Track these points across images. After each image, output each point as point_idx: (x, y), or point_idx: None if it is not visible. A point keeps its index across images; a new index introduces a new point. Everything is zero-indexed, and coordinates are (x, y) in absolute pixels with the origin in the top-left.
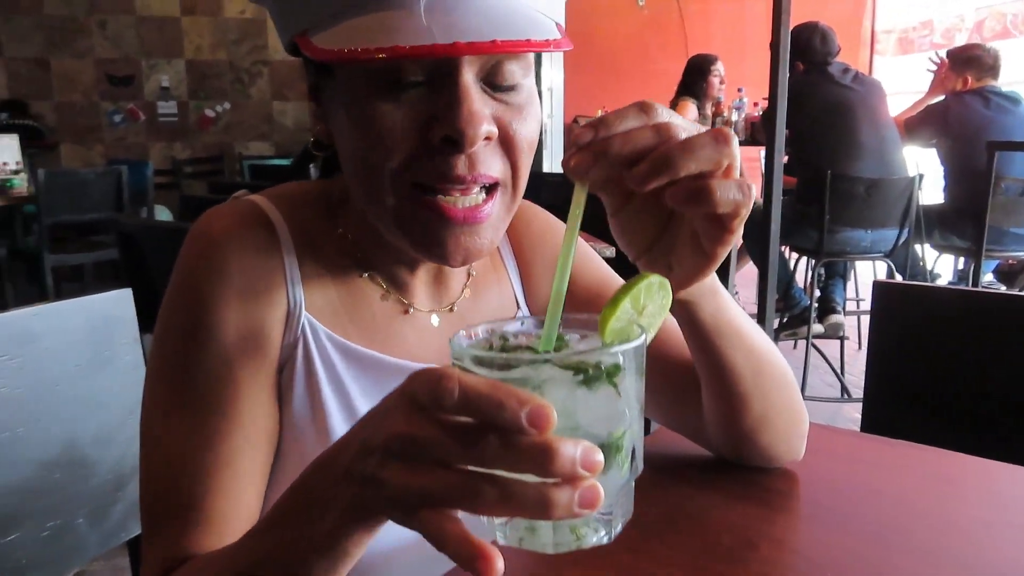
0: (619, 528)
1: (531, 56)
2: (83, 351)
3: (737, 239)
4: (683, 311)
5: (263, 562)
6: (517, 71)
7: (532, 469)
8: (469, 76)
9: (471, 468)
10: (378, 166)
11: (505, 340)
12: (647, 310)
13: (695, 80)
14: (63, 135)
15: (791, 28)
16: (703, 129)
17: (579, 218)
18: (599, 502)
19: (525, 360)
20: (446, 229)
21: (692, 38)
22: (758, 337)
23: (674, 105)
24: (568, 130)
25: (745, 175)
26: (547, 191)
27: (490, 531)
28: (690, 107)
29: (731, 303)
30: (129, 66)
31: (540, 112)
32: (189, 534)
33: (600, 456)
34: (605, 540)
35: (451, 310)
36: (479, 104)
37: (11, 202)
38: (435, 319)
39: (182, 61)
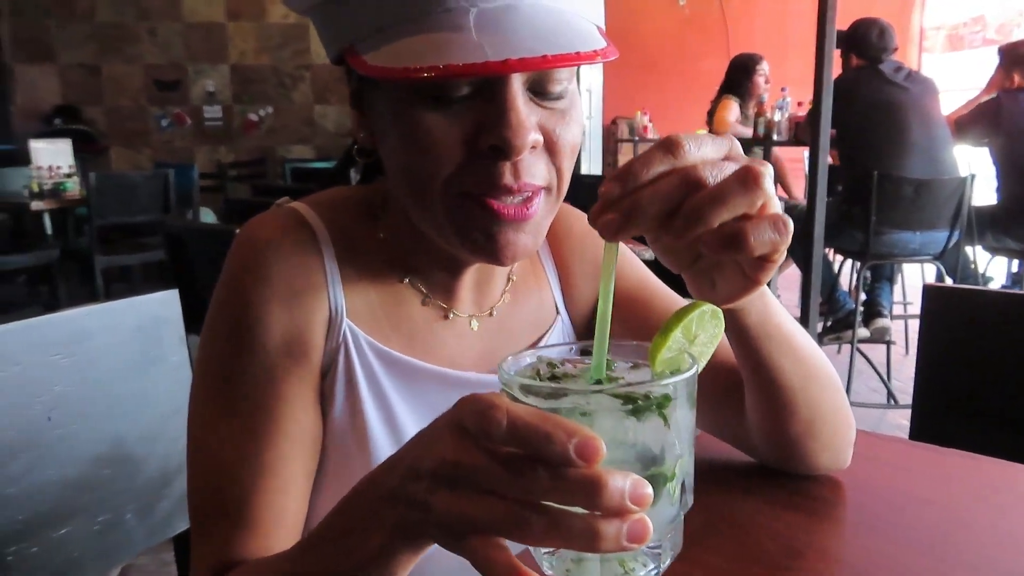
0: (668, 562)
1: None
2: (132, 350)
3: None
4: (728, 315)
5: None
6: (563, 79)
7: (580, 502)
8: (516, 87)
9: (519, 498)
10: (426, 176)
11: (553, 367)
12: (699, 339)
13: (740, 79)
14: (113, 139)
15: (851, 22)
16: (729, 151)
17: (612, 275)
18: (648, 536)
19: (574, 390)
20: (496, 226)
21: (734, 37)
22: (805, 342)
23: (716, 104)
24: (607, 131)
25: (780, 212)
26: (585, 193)
27: (537, 559)
28: (732, 106)
29: (778, 306)
30: (176, 71)
31: (583, 115)
32: (236, 538)
33: (649, 489)
34: (653, 574)
35: (490, 315)
36: (525, 114)
37: (64, 204)
38: (474, 324)
39: (227, 66)
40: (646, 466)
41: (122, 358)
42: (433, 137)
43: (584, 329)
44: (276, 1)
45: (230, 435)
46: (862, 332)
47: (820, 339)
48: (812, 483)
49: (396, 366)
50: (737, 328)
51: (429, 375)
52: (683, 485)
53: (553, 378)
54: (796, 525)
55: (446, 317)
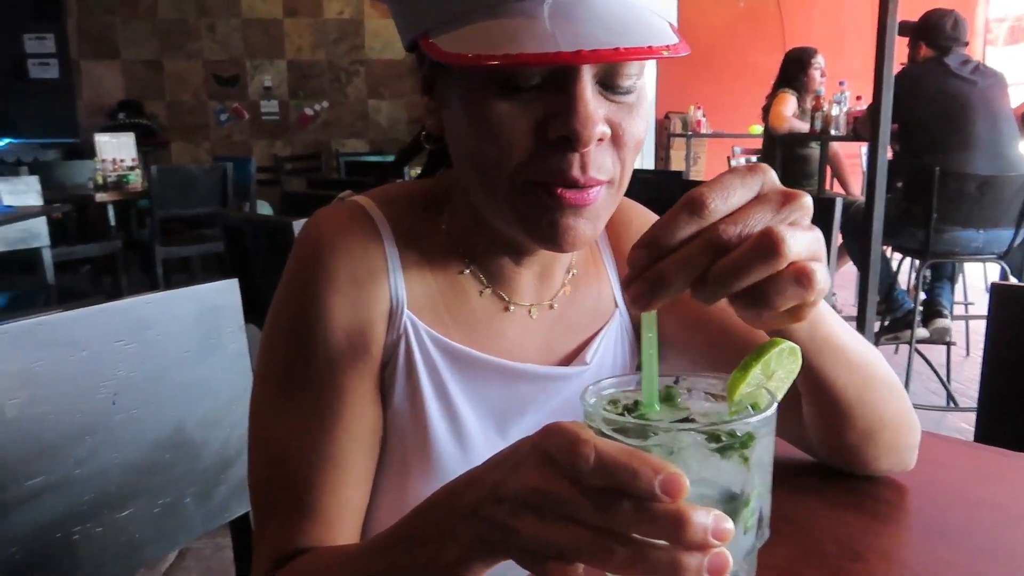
0: None
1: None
2: (192, 338)
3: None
4: (775, 332)
5: None
6: (632, 73)
7: (664, 536)
8: (586, 79)
9: (604, 527)
10: (494, 163)
11: (631, 400)
12: (776, 375)
13: (795, 73)
14: (174, 133)
15: (925, 12)
16: (762, 186)
17: (655, 342)
18: (727, 569)
19: (659, 428)
20: (557, 212)
21: (790, 30)
22: (861, 349)
23: (772, 98)
24: (660, 126)
25: (806, 265)
26: (636, 186)
27: None
28: (789, 100)
29: (829, 315)
30: (235, 67)
31: (648, 109)
32: (298, 528)
33: (730, 524)
34: None
35: (551, 307)
36: (594, 106)
37: (127, 197)
38: (534, 315)
39: (284, 62)
40: (727, 500)
41: (183, 345)
42: (502, 125)
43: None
44: (331, 1)
45: (292, 427)
46: (921, 332)
47: (877, 339)
48: (874, 484)
49: (456, 357)
50: None
51: (489, 366)
52: (760, 518)
53: (628, 409)
54: (857, 527)
55: (506, 308)
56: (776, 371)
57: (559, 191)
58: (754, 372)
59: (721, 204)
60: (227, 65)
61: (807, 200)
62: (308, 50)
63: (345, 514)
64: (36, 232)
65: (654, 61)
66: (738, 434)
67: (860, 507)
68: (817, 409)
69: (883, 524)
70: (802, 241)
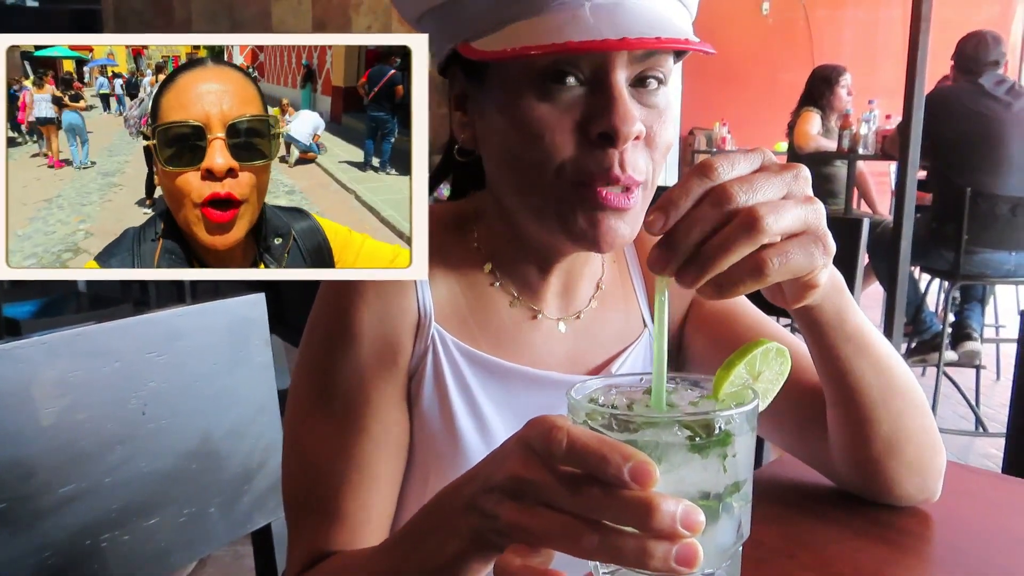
0: None
1: (671, 63)
2: (221, 350)
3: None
4: (804, 312)
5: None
6: (662, 76)
7: (632, 522)
8: (622, 79)
9: (577, 513)
10: (537, 163)
11: (619, 396)
12: (763, 376)
13: (821, 91)
14: None
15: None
16: (762, 162)
17: (665, 304)
18: (697, 562)
19: (636, 420)
20: (600, 213)
21: (819, 47)
22: (887, 350)
23: (796, 116)
24: (684, 143)
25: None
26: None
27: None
28: (814, 118)
29: (858, 310)
30: None
31: (675, 119)
32: (326, 531)
33: (701, 516)
34: None
35: (578, 318)
36: (631, 105)
37: None
38: (562, 326)
39: None
40: (702, 494)
41: (212, 358)
42: (545, 126)
43: (672, 344)
44: (360, 17)
45: (323, 434)
46: (949, 355)
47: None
48: (898, 514)
49: (483, 366)
50: (814, 326)
51: (516, 375)
52: (739, 515)
53: (619, 407)
54: (879, 557)
55: (534, 317)
56: (763, 371)
57: (600, 191)
58: (737, 370)
59: (728, 168)
60: None
61: (805, 171)
62: None
63: (371, 519)
64: None
65: (680, 75)
66: (714, 427)
67: (883, 537)
68: (841, 411)
69: (906, 555)
70: (795, 215)
